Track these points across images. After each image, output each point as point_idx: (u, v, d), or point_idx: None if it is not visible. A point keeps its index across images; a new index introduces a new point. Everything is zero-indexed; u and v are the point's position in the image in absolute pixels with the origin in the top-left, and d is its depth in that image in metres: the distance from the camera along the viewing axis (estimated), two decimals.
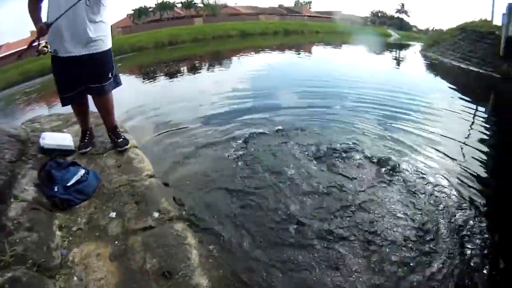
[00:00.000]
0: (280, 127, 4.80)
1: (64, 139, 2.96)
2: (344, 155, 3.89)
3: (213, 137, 4.55)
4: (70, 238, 2.10)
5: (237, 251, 2.42)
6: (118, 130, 3.09)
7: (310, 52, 18.99)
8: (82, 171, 2.56)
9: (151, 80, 10.91)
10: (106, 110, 2.98)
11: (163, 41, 25.09)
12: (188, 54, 19.09)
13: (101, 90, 2.79)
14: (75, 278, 1.80)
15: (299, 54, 17.61)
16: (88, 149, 2.98)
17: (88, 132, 3.06)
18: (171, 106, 6.49)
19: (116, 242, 2.07)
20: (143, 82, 10.81)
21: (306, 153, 3.96)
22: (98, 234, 2.14)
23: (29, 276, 1.68)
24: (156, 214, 2.30)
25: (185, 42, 25.47)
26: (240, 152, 3.99)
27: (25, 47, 2.54)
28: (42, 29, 2.40)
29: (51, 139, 2.89)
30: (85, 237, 2.12)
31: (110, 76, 2.80)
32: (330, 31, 35.50)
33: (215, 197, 3.09)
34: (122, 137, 3.06)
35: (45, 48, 2.53)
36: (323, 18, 49.77)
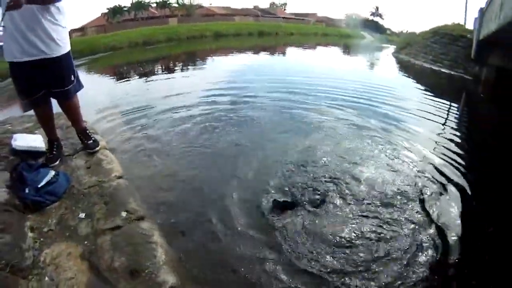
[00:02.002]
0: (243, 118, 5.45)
1: (35, 141, 3.08)
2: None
3: (183, 135, 4.95)
4: (42, 239, 2.30)
5: (203, 249, 2.69)
6: (88, 131, 3.23)
7: (284, 53, 19.32)
8: (52, 173, 2.74)
9: (124, 80, 11.13)
10: (72, 113, 3.09)
11: (138, 41, 25.35)
12: (163, 54, 19.42)
13: (65, 94, 2.89)
14: (46, 278, 2.01)
15: (273, 55, 17.90)
16: (57, 162, 3.01)
17: (55, 143, 3.08)
18: (143, 106, 6.76)
19: (86, 242, 2.28)
20: (116, 82, 11.05)
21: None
22: (68, 234, 2.35)
23: (2, 276, 1.88)
24: (124, 214, 2.52)
25: (160, 42, 25.88)
26: (207, 148, 4.46)
27: None
28: None
29: (23, 140, 3.02)
30: (56, 237, 2.32)
31: (72, 79, 2.89)
32: (304, 33, 35.80)
33: (182, 196, 3.38)
34: (92, 139, 3.22)
35: None
36: (298, 20, 50.52)
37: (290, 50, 21.05)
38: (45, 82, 2.76)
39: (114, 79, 11.74)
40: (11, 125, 3.78)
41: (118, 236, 2.33)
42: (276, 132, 5.06)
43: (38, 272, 2.04)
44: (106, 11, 42.12)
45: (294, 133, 5.03)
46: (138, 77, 11.45)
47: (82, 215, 2.50)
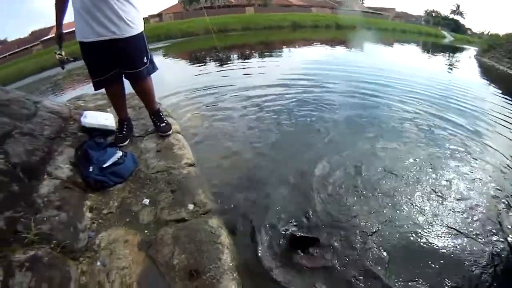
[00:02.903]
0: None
1: (106, 119, 2.99)
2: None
3: (258, 125, 4.62)
4: (100, 221, 2.12)
5: (275, 259, 2.30)
6: (161, 114, 3.09)
7: (362, 48, 18.29)
8: (119, 153, 2.60)
9: (200, 65, 11.08)
10: (145, 95, 2.98)
11: (214, 28, 25.65)
12: (238, 42, 19.27)
13: (137, 76, 2.77)
14: (98, 263, 1.80)
15: (350, 49, 17.03)
16: (126, 142, 2.94)
17: (125, 123, 3.03)
18: (218, 92, 6.54)
19: (146, 231, 2.05)
20: (191, 67, 11.07)
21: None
22: (128, 220, 2.14)
23: (52, 256, 1.70)
24: (191, 206, 2.23)
25: (236, 31, 26.02)
26: (282, 141, 4.06)
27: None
28: (60, 37, 2.77)
29: (93, 117, 2.94)
30: (115, 221, 2.12)
31: (145, 61, 2.76)
32: (382, 28, 34.38)
33: (256, 194, 3.02)
34: (165, 121, 3.06)
35: (62, 56, 2.85)
36: (376, 15, 48.63)
37: (368, 46, 19.98)
38: (116, 63, 2.69)
39: (190, 64, 11.89)
40: (84, 101, 3.80)
41: (181, 230, 2.05)
42: (351, 131, 4.52)
43: (90, 256, 1.85)
44: None
45: (370, 134, 4.44)
46: (214, 63, 11.40)
47: (146, 201, 2.27)
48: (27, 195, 1.99)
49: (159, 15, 38.10)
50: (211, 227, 2.08)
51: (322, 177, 3.26)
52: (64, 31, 2.82)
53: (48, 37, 38.03)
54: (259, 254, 2.34)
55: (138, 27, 2.64)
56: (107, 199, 2.29)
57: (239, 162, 3.58)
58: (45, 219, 1.88)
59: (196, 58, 13.16)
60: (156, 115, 3.06)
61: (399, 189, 3.14)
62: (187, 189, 2.37)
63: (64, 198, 2.10)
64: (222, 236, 2.03)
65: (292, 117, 4.93)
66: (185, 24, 26.90)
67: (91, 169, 2.40)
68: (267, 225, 2.60)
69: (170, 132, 3.01)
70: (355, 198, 2.98)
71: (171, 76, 7.74)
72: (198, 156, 3.00)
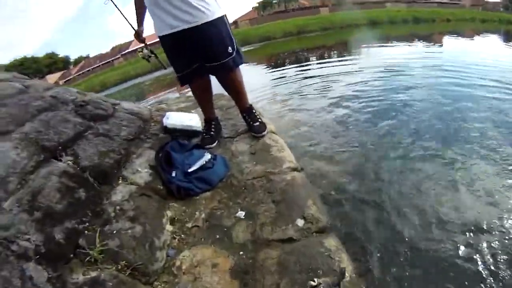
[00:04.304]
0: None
1: (191, 119, 2.71)
2: None
3: (356, 125, 4.05)
4: (182, 235, 1.70)
5: None
6: (254, 112, 2.70)
7: (452, 44, 16.07)
8: (208, 156, 2.22)
9: (281, 68, 10.65)
10: (235, 90, 2.64)
11: (292, 30, 25.60)
12: (317, 43, 18.63)
13: (223, 68, 2.44)
14: None
15: (434, 44, 15.05)
16: (214, 144, 2.62)
17: (213, 123, 2.75)
18: (305, 95, 6.03)
19: (242, 253, 1.56)
20: (273, 70, 10.66)
21: None
22: (218, 237, 1.67)
23: (118, 280, 1.30)
24: (300, 222, 1.68)
25: (313, 32, 25.39)
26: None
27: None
28: (139, 35, 2.73)
29: (176, 118, 2.68)
30: (202, 238, 1.67)
31: (230, 51, 2.41)
32: (461, 19, 31.17)
33: (382, 212, 2.40)
34: (259, 120, 2.66)
35: (143, 53, 2.84)
36: (453, 5, 44.87)
37: (455, 40, 17.56)
38: (196, 55, 2.42)
39: (271, 67, 11.48)
40: (166, 104, 3.59)
41: (289, 253, 1.50)
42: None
43: (168, 280, 1.41)
44: (256, 5, 46.23)
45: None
46: (295, 65, 10.85)
47: (241, 214, 1.79)
48: (95, 203, 1.66)
49: (235, 22, 39.91)
50: (329, 250, 1.49)
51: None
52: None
53: (128, 50, 42.32)
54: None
55: (214, 12, 2.32)
56: (192, 209, 1.87)
57: (348, 168, 3.01)
58: (114, 232, 1.51)
59: (277, 62, 12.85)
60: (248, 112, 2.68)
61: None
62: (293, 199, 1.83)
63: (140, 207, 1.73)
64: (344, 263, 1.43)
65: (399, 117, 4.19)
66: (262, 29, 27.75)
67: (174, 174, 2.04)
68: (395, 253, 1.96)
69: (265, 132, 2.59)
70: None
71: (254, 81, 7.46)
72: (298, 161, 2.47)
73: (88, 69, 44.49)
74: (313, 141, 3.68)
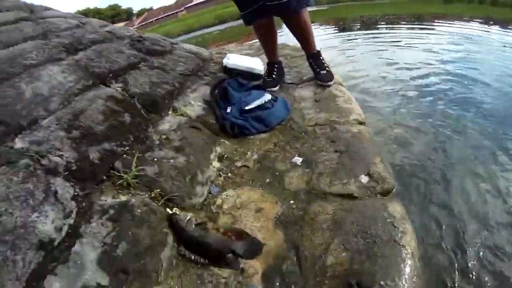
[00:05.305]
0: None
1: (253, 62, 2.56)
2: None
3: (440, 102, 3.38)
4: (229, 174, 1.54)
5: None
6: (322, 58, 2.46)
7: None
8: (268, 96, 2.04)
9: (353, 33, 9.98)
10: (299, 33, 2.42)
11: None
12: (388, 12, 17.20)
13: (285, 8, 2.18)
14: None
15: None
16: (276, 87, 2.47)
17: (276, 66, 2.58)
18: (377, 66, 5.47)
19: (292, 202, 1.36)
20: (339, 34, 10.00)
21: None
22: (269, 181, 1.49)
23: (148, 209, 1.16)
24: (364, 179, 1.44)
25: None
26: None
27: None
28: None
29: (238, 59, 2.57)
30: (250, 179, 1.51)
31: None
32: None
33: (455, 190, 2.05)
34: (327, 68, 2.43)
35: None
36: None
37: None
38: None
39: (337, 31, 10.92)
40: (228, 51, 3.40)
41: (347, 211, 1.27)
42: None
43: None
44: None
45: None
46: (363, 31, 10.18)
47: (298, 160, 1.59)
48: (140, 129, 1.55)
49: None
50: (392, 216, 1.23)
51: None
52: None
53: (192, 4, 42.46)
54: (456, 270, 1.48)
55: None
56: (245, 149, 1.70)
57: (422, 138, 2.63)
58: (155, 159, 1.39)
59: (344, 26, 12.03)
60: (315, 58, 2.45)
61: None
62: (358, 153, 1.58)
63: (187, 138, 1.60)
64: (408, 235, 1.17)
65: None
66: None
67: (229, 110, 1.90)
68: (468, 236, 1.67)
69: (332, 82, 2.34)
70: None
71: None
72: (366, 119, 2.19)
73: (151, 20, 45.47)
74: (378, 103, 3.31)
